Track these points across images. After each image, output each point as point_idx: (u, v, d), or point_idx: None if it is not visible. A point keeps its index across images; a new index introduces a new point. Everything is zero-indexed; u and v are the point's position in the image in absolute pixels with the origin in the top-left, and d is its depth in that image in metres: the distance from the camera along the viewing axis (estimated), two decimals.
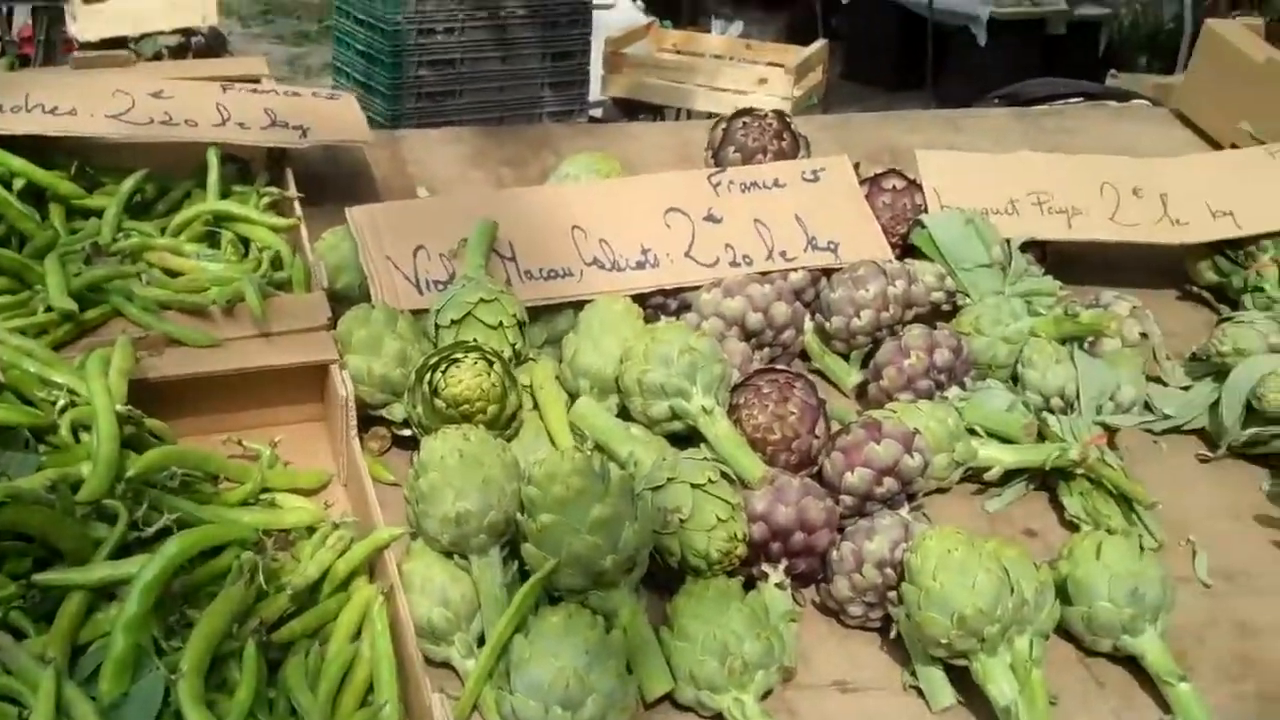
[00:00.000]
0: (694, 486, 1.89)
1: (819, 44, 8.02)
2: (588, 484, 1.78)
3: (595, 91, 7.78)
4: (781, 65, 7.56)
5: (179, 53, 8.76)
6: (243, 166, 2.68)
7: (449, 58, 6.77)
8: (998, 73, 8.13)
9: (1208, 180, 2.89)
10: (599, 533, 1.76)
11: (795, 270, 2.50)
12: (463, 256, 2.30)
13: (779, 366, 2.23)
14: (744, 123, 2.77)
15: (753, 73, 7.59)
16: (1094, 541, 2.01)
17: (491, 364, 2.02)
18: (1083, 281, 2.72)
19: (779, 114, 2.80)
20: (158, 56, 8.28)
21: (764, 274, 2.44)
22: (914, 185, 2.73)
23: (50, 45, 7.77)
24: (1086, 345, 2.44)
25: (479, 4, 6.71)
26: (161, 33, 9.42)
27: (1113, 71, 5.60)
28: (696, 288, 2.42)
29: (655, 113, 7.65)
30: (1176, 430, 2.49)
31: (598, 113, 7.87)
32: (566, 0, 6.99)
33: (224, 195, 2.51)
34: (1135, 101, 4.30)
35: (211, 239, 2.44)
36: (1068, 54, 10.82)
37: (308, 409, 2.20)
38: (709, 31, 9.82)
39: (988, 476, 2.26)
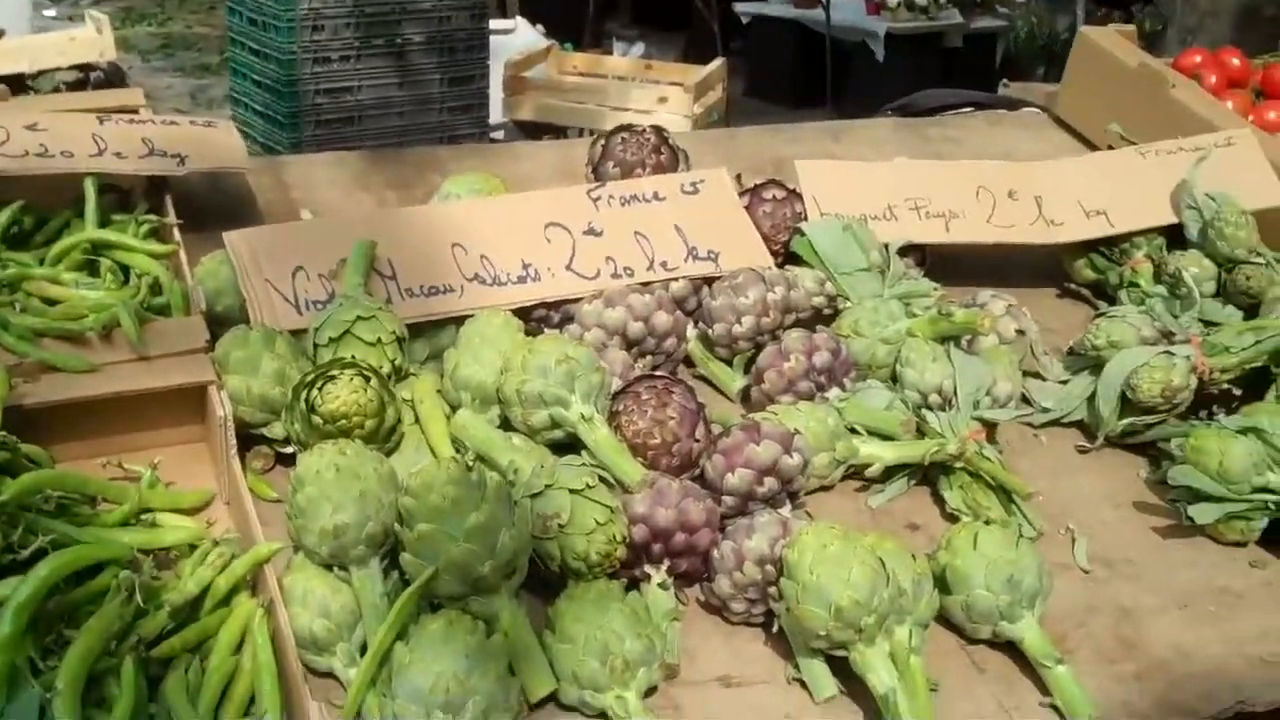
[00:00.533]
0: (572, 492, 1.91)
1: (717, 63, 8.09)
2: (463, 492, 1.79)
3: (497, 115, 7.80)
4: (681, 84, 7.62)
5: (77, 88, 8.66)
6: (123, 196, 2.67)
7: (346, 85, 6.77)
8: (897, 87, 8.21)
9: (1081, 181, 2.96)
10: (475, 540, 1.77)
11: (676, 280, 2.53)
12: (342, 276, 2.32)
13: (658, 373, 2.25)
14: (623, 138, 2.80)
15: (653, 92, 7.65)
16: (971, 532, 2.04)
17: (368, 379, 2.03)
18: (965, 283, 2.77)
19: (657, 129, 2.83)
20: (56, 92, 8.19)
21: (645, 285, 2.47)
22: (794, 195, 2.77)
23: None
24: (964, 343, 2.49)
25: (374, 31, 6.71)
26: (59, 69, 9.33)
27: (1005, 81, 5.67)
28: (579, 300, 2.44)
29: (559, 134, 7.68)
30: (1056, 423, 2.55)
31: (500, 135, 7.89)
32: (463, 26, 6.99)
33: (103, 224, 2.51)
34: (1025, 109, 4.36)
35: (91, 268, 2.43)
36: (965, 66, 11.00)
37: (189, 430, 2.20)
38: (611, 54, 9.87)
39: (869, 473, 2.30)
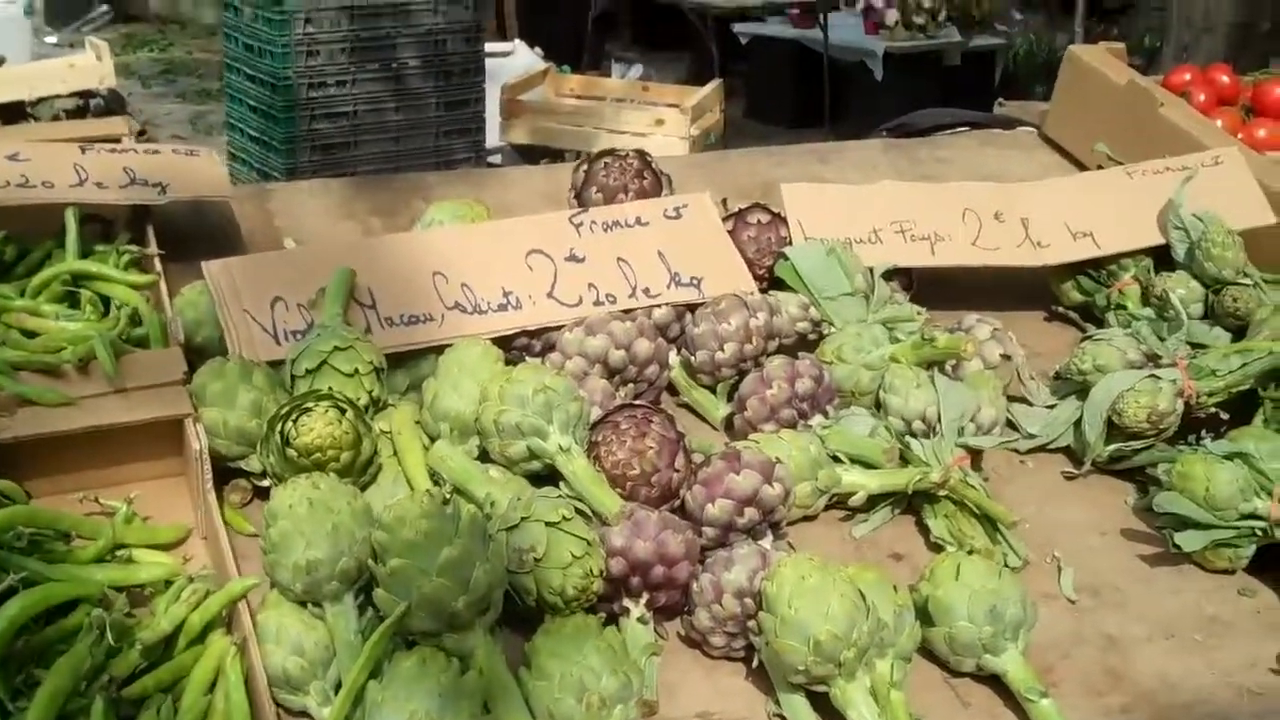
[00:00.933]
0: (548, 524, 1.89)
1: (714, 84, 8.10)
2: (436, 526, 1.77)
3: (494, 138, 7.80)
4: (678, 106, 7.63)
5: (78, 115, 8.67)
6: (106, 226, 2.67)
7: (343, 110, 6.76)
8: (896, 106, 8.21)
9: (1068, 202, 2.94)
10: (448, 575, 1.75)
11: (659, 307, 2.52)
12: (321, 306, 2.30)
13: (637, 402, 2.23)
14: (605, 163, 2.79)
15: (650, 114, 7.66)
16: (954, 562, 2.02)
17: (344, 412, 2.02)
18: (953, 307, 2.75)
19: (639, 153, 2.82)
20: (56, 119, 8.20)
21: (627, 312, 2.46)
22: (779, 219, 2.76)
23: None
24: (950, 369, 2.47)
25: (370, 56, 6.71)
26: (59, 96, 9.34)
27: (1000, 100, 5.67)
28: (560, 328, 2.43)
29: (555, 157, 7.68)
30: (1042, 449, 2.53)
31: (497, 159, 7.89)
32: (458, 49, 6.99)
33: (85, 255, 2.50)
34: (1021, 129, 4.36)
35: (73, 299, 2.42)
36: (965, 85, 10.98)
37: (168, 464, 2.19)
38: (609, 76, 9.89)
39: (852, 502, 2.27)
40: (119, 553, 1.99)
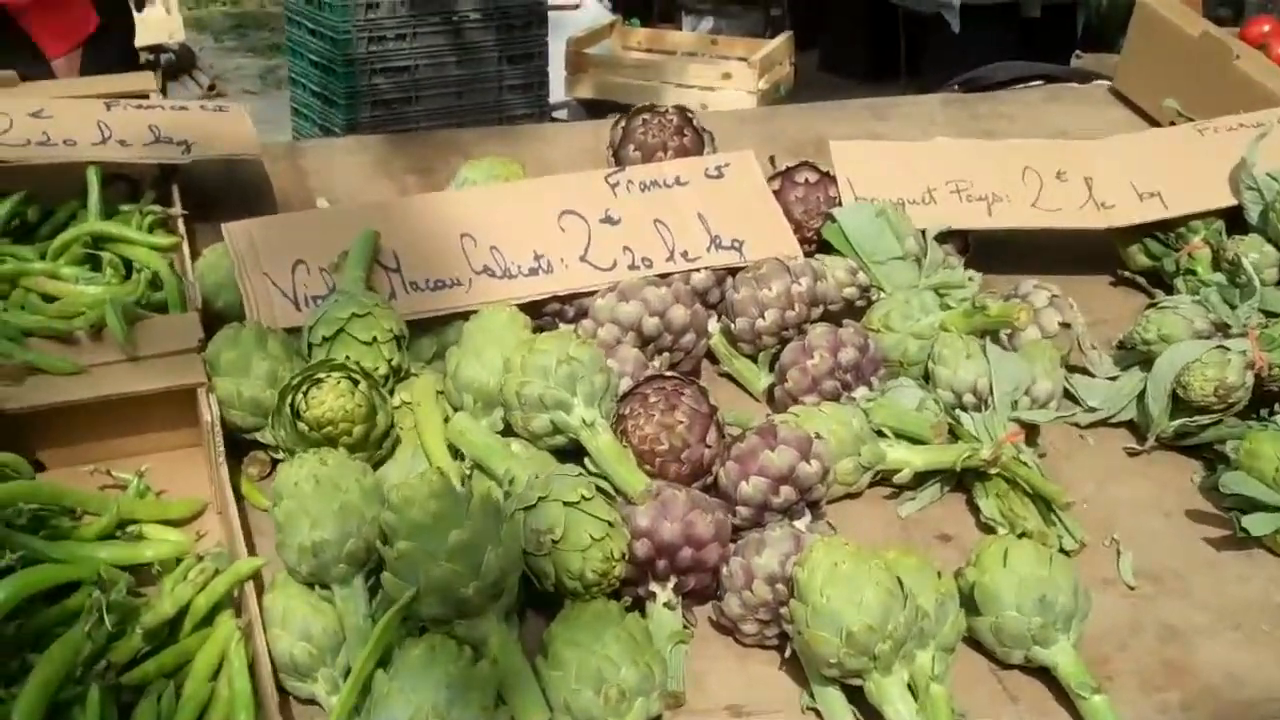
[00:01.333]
0: (566, 504, 1.79)
1: (784, 36, 7.94)
2: (446, 508, 1.68)
3: (559, 93, 7.68)
4: (746, 60, 7.48)
5: (147, 70, 8.67)
6: (134, 185, 2.60)
7: (403, 64, 6.66)
8: (973, 59, 7.99)
9: (1135, 161, 2.80)
10: (458, 559, 1.66)
11: (698, 271, 2.41)
12: (343, 270, 2.21)
13: (668, 373, 2.12)
14: (644, 120, 2.69)
15: (718, 68, 7.52)
16: (1001, 547, 1.90)
17: (356, 383, 1.93)
18: (1011, 271, 2.63)
19: (680, 109, 2.71)
20: None
21: (665, 276, 2.35)
22: (828, 178, 2.64)
23: None
24: (1005, 338, 2.35)
25: (430, 9, 6.59)
26: None
27: (1078, 52, 5.49)
28: (594, 293, 2.32)
29: (623, 113, 7.56)
30: (1104, 423, 2.41)
31: (563, 114, 7.77)
32: (521, 2, 6.86)
33: (109, 215, 2.43)
34: (1096, 83, 4.21)
35: (95, 262, 2.35)
36: (1044, 37, 10.71)
37: (184, 434, 2.11)
38: (679, 29, 9.74)
39: (898, 479, 2.17)
40: (129, 529, 1.92)
